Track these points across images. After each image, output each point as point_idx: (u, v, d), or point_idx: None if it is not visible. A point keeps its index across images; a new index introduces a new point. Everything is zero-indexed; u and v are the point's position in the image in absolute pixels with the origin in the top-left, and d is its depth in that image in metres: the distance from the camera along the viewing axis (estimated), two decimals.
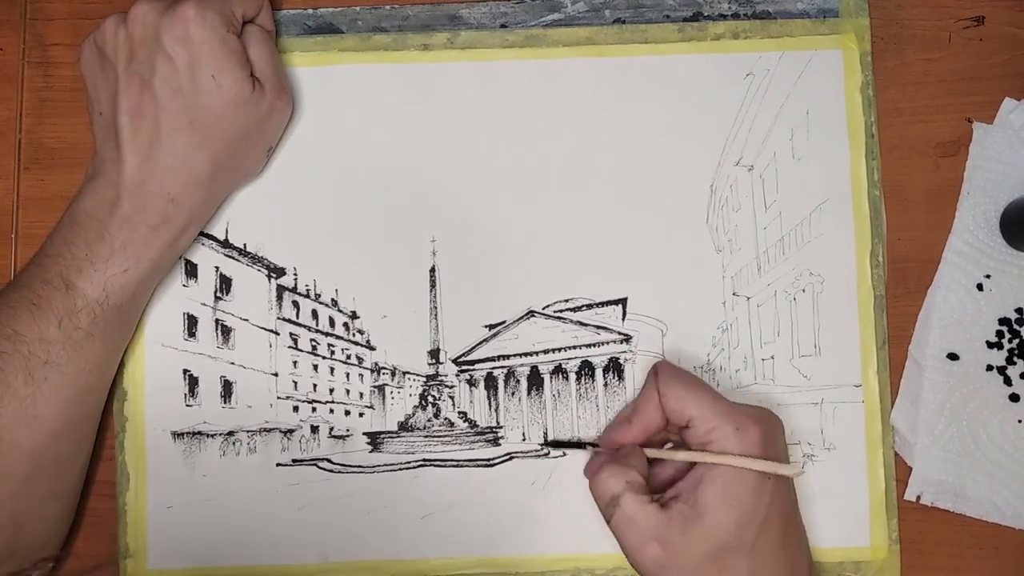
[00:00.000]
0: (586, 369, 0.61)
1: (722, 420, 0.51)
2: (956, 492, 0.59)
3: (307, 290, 0.61)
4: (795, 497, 0.54)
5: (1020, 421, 0.59)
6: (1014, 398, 0.59)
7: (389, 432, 0.61)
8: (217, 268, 0.60)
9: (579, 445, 0.59)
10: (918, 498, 0.59)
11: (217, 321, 0.60)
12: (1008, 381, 0.59)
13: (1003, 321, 0.60)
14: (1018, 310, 0.60)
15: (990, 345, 0.60)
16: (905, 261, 0.60)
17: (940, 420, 0.59)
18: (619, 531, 0.52)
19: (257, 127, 0.56)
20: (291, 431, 0.60)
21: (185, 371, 0.60)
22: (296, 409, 0.60)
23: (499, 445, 0.60)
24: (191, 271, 0.60)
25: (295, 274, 0.61)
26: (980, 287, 0.60)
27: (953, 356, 0.59)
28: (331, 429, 0.60)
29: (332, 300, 0.61)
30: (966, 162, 0.61)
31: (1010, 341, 0.60)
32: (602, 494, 0.52)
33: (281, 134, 0.59)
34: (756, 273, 0.60)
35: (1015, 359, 0.59)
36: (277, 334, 0.61)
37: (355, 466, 0.60)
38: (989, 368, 0.60)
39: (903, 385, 0.60)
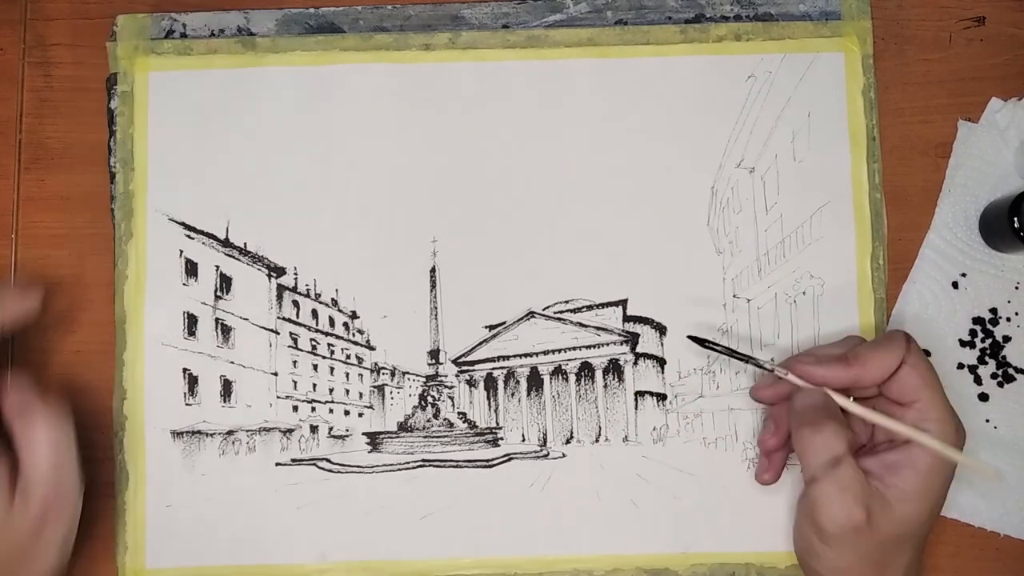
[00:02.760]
0: (586, 370, 0.61)
1: (949, 416, 0.51)
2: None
3: (307, 290, 0.61)
4: None
5: (987, 421, 0.59)
6: (983, 397, 0.60)
7: (388, 432, 0.61)
8: (217, 267, 0.60)
9: (753, 361, 0.54)
10: None
11: (217, 320, 0.60)
12: (978, 380, 0.60)
13: (977, 320, 0.60)
14: (992, 310, 0.60)
15: (962, 343, 0.60)
16: (905, 262, 0.60)
17: None
18: (826, 490, 0.49)
19: (17, 554, 0.47)
20: (290, 431, 0.60)
21: (185, 370, 0.60)
22: (296, 409, 0.60)
23: (498, 446, 0.60)
24: (191, 270, 0.60)
25: (295, 273, 0.61)
26: (955, 285, 0.60)
27: (925, 352, 0.59)
28: (330, 429, 0.60)
29: (332, 300, 0.61)
30: (948, 159, 0.61)
31: (983, 340, 0.60)
32: (820, 450, 0.50)
33: (70, 551, 0.51)
34: (757, 275, 0.60)
35: (986, 359, 0.60)
36: (277, 333, 0.61)
37: (354, 466, 0.60)
38: (960, 366, 0.60)
39: None
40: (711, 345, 0.55)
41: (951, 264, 0.60)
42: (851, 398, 0.53)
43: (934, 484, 0.50)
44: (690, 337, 0.56)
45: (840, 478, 0.49)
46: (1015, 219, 0.56)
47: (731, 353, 0.55)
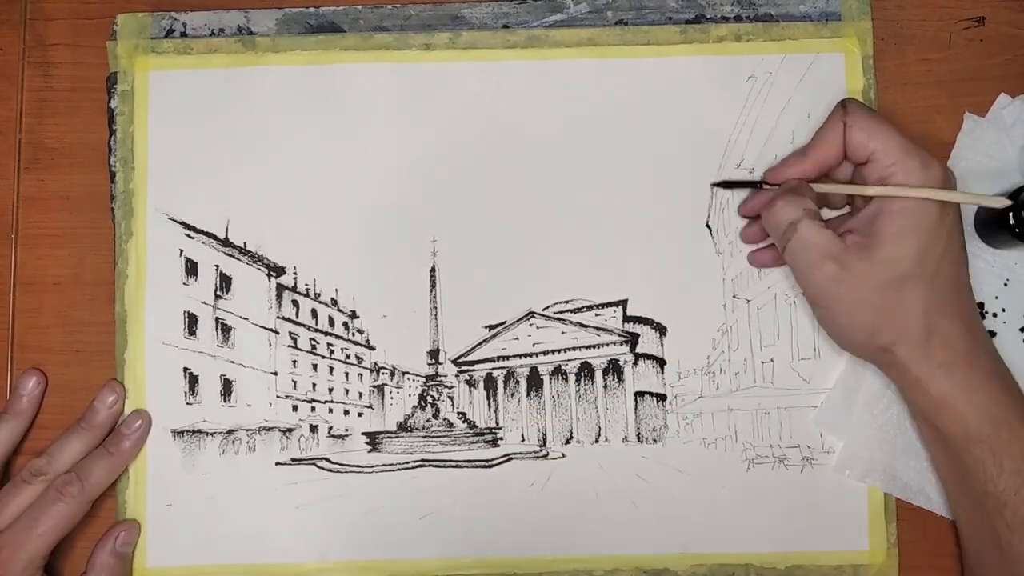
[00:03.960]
0: (585, 370, 0.61)
1: (907, 154, 0.52)
2: (887, 472, 0.58)
3: (307, 289, 0.61)
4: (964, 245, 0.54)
5: None
6: None
7: (388, 432, 0.61)
8: (217, 267, 0.60)
9: (749, 184, 0.59)
10: (847, 475, 0.59)
11: (217, 320, 0.60)
12: None
13: None
14: (980, 304, 0.60)
15: None
16: None
17: (882, 400, 0.59)
18: (794, 255, 0.53)
19: None
20: (290, 430, 0.60)
21: (185, 369, 0.60)
22: (295, 408, 0.60)
23: (498, 446, 0.60)
24: (191, 269, 0.60)
25: (295, 273, 0.61)
26: None
27: None
28: (330, 428, 0.60)
29: (332, 299, 0.61)
30: (951, 150, 0.61)
31: None
32: (778, 222, 0.54)
33: None
34: (756, 275, 0.60)
35: None
36: (277, 333, 0.61)
37: (354, 466, 0.60)
38: None
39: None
40: (736, 183, 0.59)
41: None
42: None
43: (920, 220, 0.51)
44: (716, 184, 0.60)
45: (798, 239, 0.52)
46: (1011, 215, 0.55)
47: (751, 184, 0.59)
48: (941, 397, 0.51)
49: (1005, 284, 0.60)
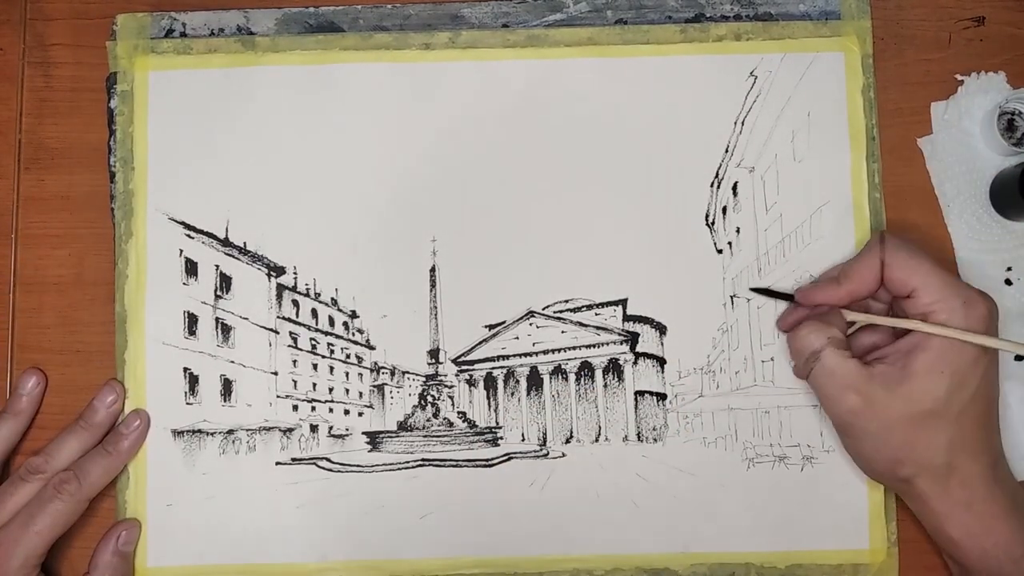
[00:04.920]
0: (585, 370, 0.61)
1: (949, 292, 0.51)
2: None
3: (307, 289, 0.61)
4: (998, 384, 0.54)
5: None
6: None
7: (388, 432, 0.61)
8: (217, 266, 0.60)
9: (784, 296, 0.59)
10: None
11: (217, 319, 0.60)
12: None
13: None
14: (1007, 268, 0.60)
15: None
16: None
17: None
18: (817, 382, 0.53)
19: None
20: (290, 430, 0.60)
21: (185, 369, 0.60)
22: (295, 408, 0.60)
23: (498, 445, 0.60)
24: (191, 269, 0.60)
25: (295, 273, 0.61)
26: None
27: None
28: (330, 428, 0.60)
29: (332, 299, 0.61)
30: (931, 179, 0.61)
31: None
32: (802, 348, 0.54)
33: None
34: (757, 275, 0.60)
35: None
36: (277, 333, 0.61)
37: (354, 465, 0.60)
38: None
39: None
40: (771, 293, 0.59)
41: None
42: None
43: (954, 360, 0.51)
44: (752, 289, 0.59)
45: (821, 367, 0.53)
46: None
47: (786, 297, 0.59)
48: (959, 534, 0.52)
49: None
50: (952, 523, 0.52)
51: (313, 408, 0.61)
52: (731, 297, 0.60)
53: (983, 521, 0.51)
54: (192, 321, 0.60)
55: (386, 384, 0.61)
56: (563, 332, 0.61)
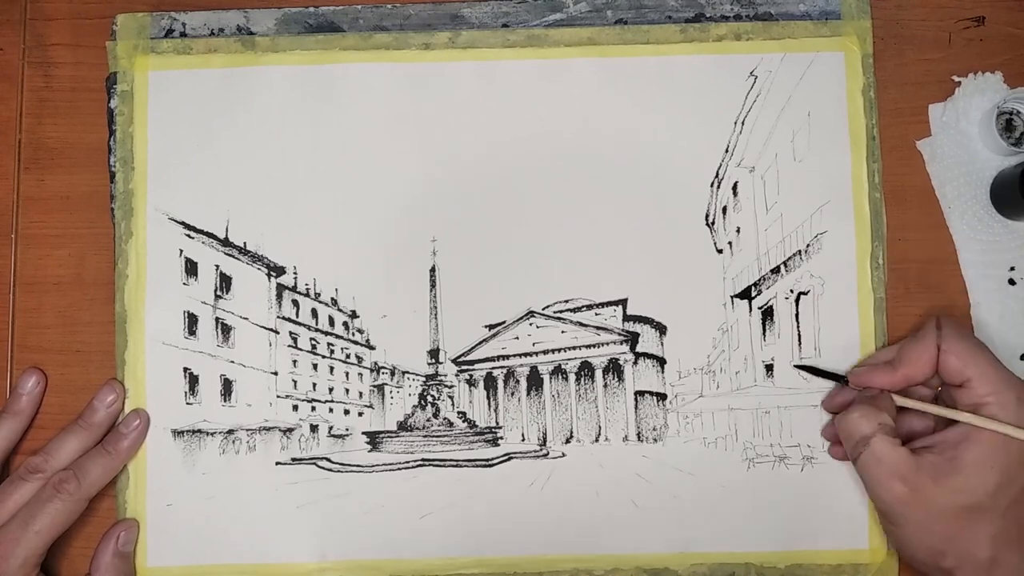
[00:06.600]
0: (585, 370, 0.61)
1: (1004, 387, 0.51)
2: None
3: (307, 289, 0.61)
4: None
5: None
6: None
7: (388, 432, 0.61)
8: (217, 266, 0.60)
9: (833, 377, 0.58)
10: None
11: (217, 319, 0.60)
12: None
13: None
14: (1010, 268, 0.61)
15: None
16: (905, 262, 0.60)
17: None
18: (865, 469, 0.53)
19: None
20: (290, 430, 0.60)
21: (185, 369, 0.60)
22: (296, 408, 0.60)
23: (498, 445, 0.60)
24: (191, 269, 0.60)
25: (295, 273, 0.61)
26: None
27: None
28: (330, 428, 0.60)
29: (332, 299, 0.61)
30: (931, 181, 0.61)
31: None
32: (851, 433, 0.53)
33: None
34: (757, 274, 0.60)
35: None
36: (277, 333, 0.61)
37: (354, 465, 0.60)
38: None
39: None
40: (819, 372, 0.59)
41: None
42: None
43: (1004, 456, 0.51)
44: (797, 367, 0.59)
45: (870, 453, 0.52)
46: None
47: (836, 377, 0.58)
48: None
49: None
50: None
51: (313, 408, 0.61)
52: (732, 296, 0.60)
53: None
54: (192, 321, 0.60)
55: (386, 384, 0.61)
56: (563, 332, 0.61)
